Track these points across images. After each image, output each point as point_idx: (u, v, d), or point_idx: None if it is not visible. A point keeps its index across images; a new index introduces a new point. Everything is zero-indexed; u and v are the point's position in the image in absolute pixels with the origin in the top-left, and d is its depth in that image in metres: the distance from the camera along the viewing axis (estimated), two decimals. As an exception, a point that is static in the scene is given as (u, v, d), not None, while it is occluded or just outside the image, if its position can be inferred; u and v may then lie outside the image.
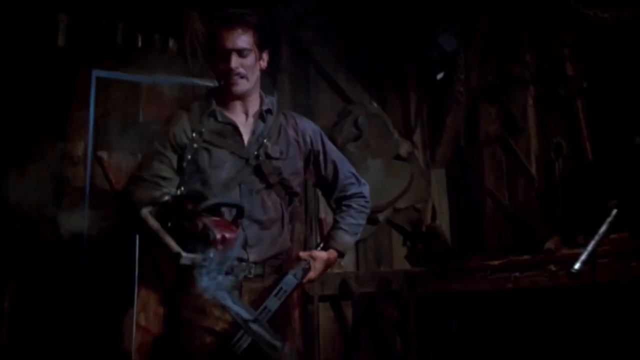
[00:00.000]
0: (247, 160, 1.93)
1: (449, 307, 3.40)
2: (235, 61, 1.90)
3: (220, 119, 1.96)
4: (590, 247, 1.62)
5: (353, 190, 2.14)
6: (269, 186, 1.95)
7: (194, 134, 1.90)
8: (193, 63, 3.44)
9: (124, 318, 3.01)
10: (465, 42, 3.54)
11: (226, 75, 1.93)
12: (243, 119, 2.01)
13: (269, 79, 3.63)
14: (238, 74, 1.91)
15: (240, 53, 1.91)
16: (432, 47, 4.05)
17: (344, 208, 2.12)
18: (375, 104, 3.95)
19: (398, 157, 3.86)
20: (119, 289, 3.03)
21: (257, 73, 1.99)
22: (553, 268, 2.29)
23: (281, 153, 1.98)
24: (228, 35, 1.91)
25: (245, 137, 1.96)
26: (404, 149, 3.88)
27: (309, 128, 2.11)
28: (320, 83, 3.92)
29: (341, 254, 2.08)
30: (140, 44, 3.40)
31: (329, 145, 2.15)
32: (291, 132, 2.05)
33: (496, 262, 2.63)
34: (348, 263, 3.67)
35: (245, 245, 1.88)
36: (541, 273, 2.35)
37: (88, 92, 3.21)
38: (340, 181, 2.13)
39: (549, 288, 2.32)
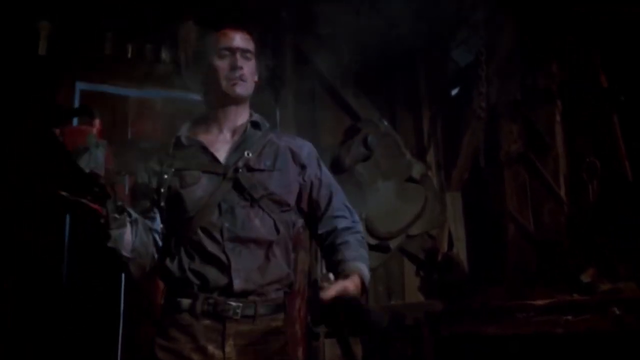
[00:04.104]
0: (224, 176, 1.77)
1: (470, 344, 3.08)
2: (240, 60, 1.82)
3: (185, 142, 1.84)
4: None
5: (344, 224, 1.87)
6: (254, 202, 1.75)
7: (164, 166, 1.79)
8: (187, 75, 3.22)
9: (108, 355, 2.89)
10: (487, 53, 3.29)
11: (227, 75, 1.81)
12: (216, 135, 1.87)
13: (271, 94, 3.43)
14: (242, 74, 1.81)
15: (245, 54, 1.84)
16: (446, 61, 3.92)
17: (338, 245, 1.82)
18: (385, 122, 3.80)
19: (410, 179, 3.73)
20: (103, 322, 2.91)
21: (253, 84, 1.90)
22: (617, 311, 1.94)
23: (266, 165, 1.81)
24: (234, 34, 1.85)
25: (222, 152, 1.82)
26: (417, 170, 3.76)
27: (306, 146, 1.94)
28: (326, 99, 3.77)
29: (363, 282, 1.70)
30: (130, 55, 3.22)
31: (325, 169, 1.97)
32: (282, 144, 1.88)
33: (541, 302, 2.28)
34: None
35: (228, 269, 1.68)
36: (601, 317, 1.99)
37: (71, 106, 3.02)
38: (332, 211, 1.88)
39: (610, 332, 1.97)
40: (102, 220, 1.52)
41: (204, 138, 1.84)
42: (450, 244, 3.75)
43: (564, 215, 3.14)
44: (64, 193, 1.40)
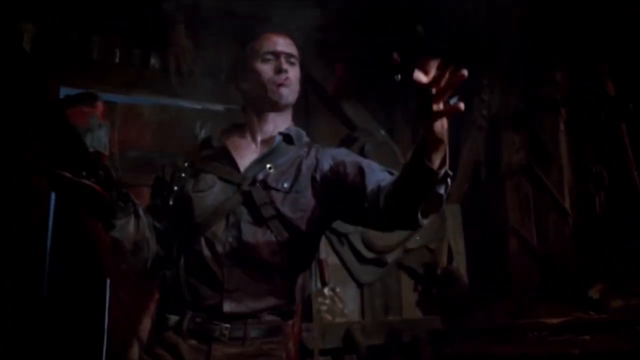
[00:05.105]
0: (239, 186, 1.67)
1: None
2: (285, 64, 1.75)
3: (215, 144, 1.79)
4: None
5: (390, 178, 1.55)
6: (262, 220, 1.63)
7: (185, 164, 1.74)
8: (177, 82, 3.14)
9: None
10: (490, 61, 3.21)
11: (272, 79, 1.74)
12: (248, 142, 1.79)
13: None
14: (288, 78, 1.74)
15: (289, 59, 1.78)
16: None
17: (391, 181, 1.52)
18: (382, 131, 3.69)
19: (408, 191, 3.57)
20: (87, 335, 2.89)
21: (297, 92, 1.82)
22: (640, 331, 1.82)
23: (284, 185, 1.68)
24: (277, 38, 1.80)
25: (246, 161, 1.74)
26: (415, 181, 3.59)
27: (331, 151, 1.78)
28: (321, 107, 3.65)
29: None
30: (117, 59, 3.12)
31: (355, 155, 1.78)
32: (308, 163, 1.72)
33: (555, 321, 2.16)
34: (352, 311, 3.38)
35: (221, 289, 1.58)
36: (621, 337, 1.86)
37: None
38: (369, 176, 1.57)
39: (631, 353, 1.84)
40: (107, 205, 1.44)
41: (234, 142, 1.78)
42: (450, 258, 3.64)
43: (568, 228, 3.06)
44: (66, 173, 1.29)
